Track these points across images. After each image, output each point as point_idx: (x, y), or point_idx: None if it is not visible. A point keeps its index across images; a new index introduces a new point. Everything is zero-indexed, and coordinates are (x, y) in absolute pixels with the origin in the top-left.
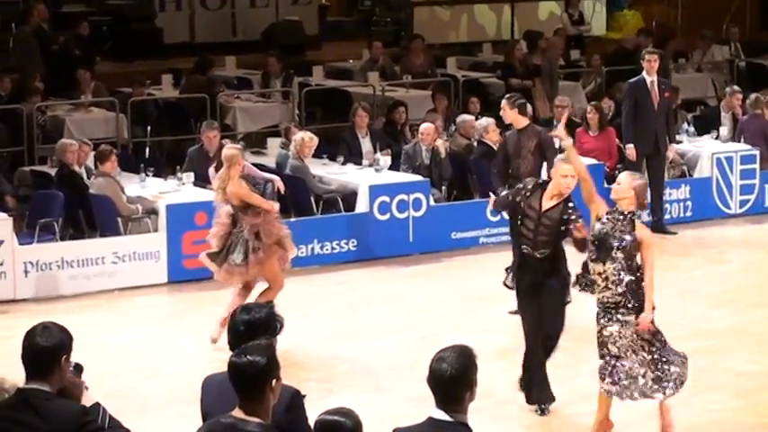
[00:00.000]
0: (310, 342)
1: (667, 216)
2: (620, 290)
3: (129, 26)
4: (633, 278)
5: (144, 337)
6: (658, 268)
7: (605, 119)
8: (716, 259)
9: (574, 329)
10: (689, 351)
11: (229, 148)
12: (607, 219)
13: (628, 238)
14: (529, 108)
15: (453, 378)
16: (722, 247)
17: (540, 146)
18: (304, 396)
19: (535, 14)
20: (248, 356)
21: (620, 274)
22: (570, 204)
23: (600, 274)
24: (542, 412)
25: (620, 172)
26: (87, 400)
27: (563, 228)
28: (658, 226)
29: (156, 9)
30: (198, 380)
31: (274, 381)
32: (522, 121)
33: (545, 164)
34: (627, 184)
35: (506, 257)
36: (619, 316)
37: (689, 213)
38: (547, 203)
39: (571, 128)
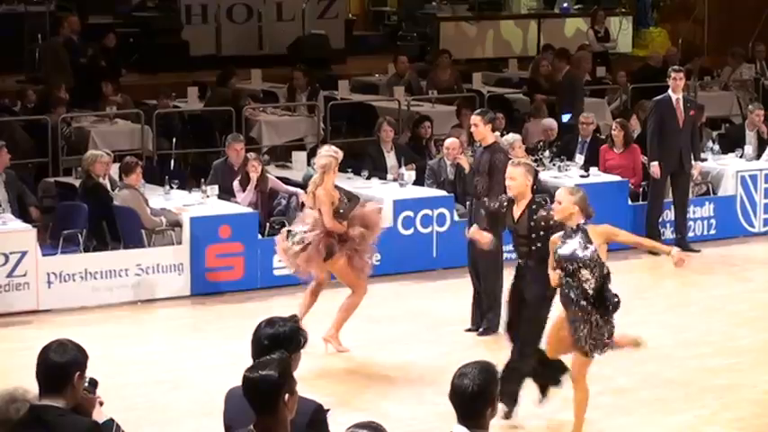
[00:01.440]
0: (334, 356)
1: (691, 234)
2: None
3: (155, 39)
4: (600, 286)
5: (166, 349)
6: (682, 286)
7: (630, 136)
8: (740, 277)
9: None
10: (713, 368)
11: (325, 156)
12: (562, 242)
13: (588, 252)
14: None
15: (474, 394)
16: (746, 265)
17: (491, 166)
18: (327, 411)
19: (561, 31)
20: (261, 371)
21: (588, 287)
22: (533, 207)
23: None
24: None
25: (644, 189)
26: (100, 416)
27: (534, 235)
28: (682, 244)
29: (183, 22)
30: (219, 392)
31: (288, 395)
32: (490, 138)
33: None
34: (568, 201)
35: None
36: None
37: (713, 231)
38: (517, 212)
39: (595, 145)
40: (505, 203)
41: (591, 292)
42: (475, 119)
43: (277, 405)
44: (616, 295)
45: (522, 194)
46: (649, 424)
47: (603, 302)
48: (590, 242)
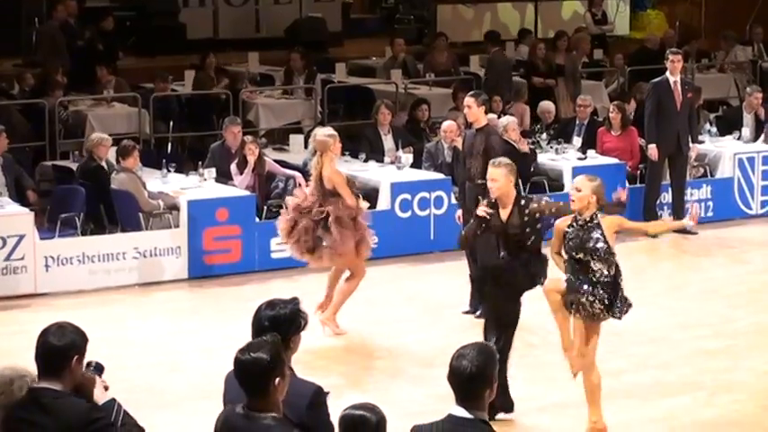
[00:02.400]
0: (331, 339)
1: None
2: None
3: (152, 21)
4: (611, 276)
5: (164, 332)
6: (680, 268)
7: (628, 119)
8: (737, 259)
9: None
10: (710, 351)
11: (321, 136)
12: (574, 232)
13: (600, 245)
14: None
15: (473, 375)
16: (743, 247)
17: (486, 148)
18: (327, 393)
19: (558, 13)
20: (252, 353)
21: (600, 277)
22: (522, 203)
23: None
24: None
25: (642, 172)
26: (102, 397)
27: (528, 229)
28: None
29: (180, 5)
30: (217, 375)
31: (279, 378)
32: (484, 120)
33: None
34: (588, 188)
35: None
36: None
37: (710, 213)
38: (504, 214)
39: (593, 128)
40: (488, 214)
41: (603, 280)
42: (468, 100)
43: (268, 388)
44: (628, 299)
45: (505, 195)
46: (647, 406)
47: (615, 295)
48: (603, 234)
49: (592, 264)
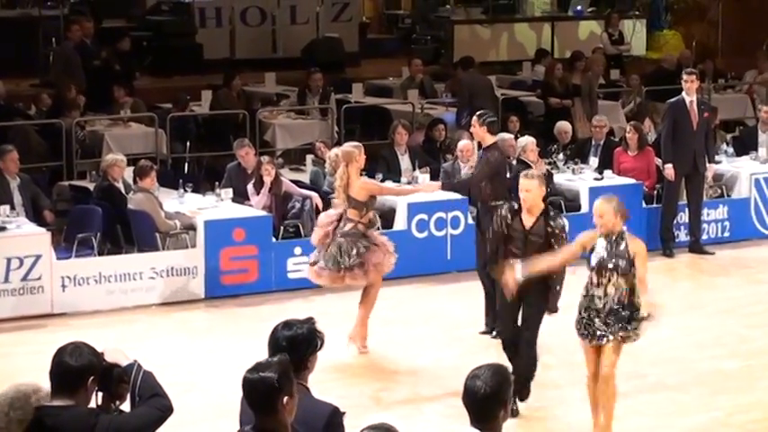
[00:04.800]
0: (348, 359)
1: (705, 236)
2: (615, 304)
3: (169, 42)
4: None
5: (181, 351)
6: (696, 288)
7: (644, 139)
8: (753, 279)
9: None
10: (727, 371)
11: (347, 147)
12: (603, 248)
13: (622, 263)
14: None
15: (487, 396)
16: (760, 267)
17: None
18: (343, 414)
19: (575, 33)
20: (260, 372)
21: (620, 293)
22: (551, 214)
23: (600, 297)
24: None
25: (659, 192)
26: (124, 361)
27: (552, 239)
28: (696, 246)
29: (197, 25)
30: (234, 394)
31: (287, 398)
32: (489, 140)
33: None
34: (610, 212)
35: None
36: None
37: (726, 234)
38: (528, 221)
39: (609, 148)
40: (508, 214)
41: (619, 298)
42: (473, 121)
43: (275, 407)
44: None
45: (536, 205)
46: (663, 426)
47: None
48: (629, 252)
49: (615, 279)
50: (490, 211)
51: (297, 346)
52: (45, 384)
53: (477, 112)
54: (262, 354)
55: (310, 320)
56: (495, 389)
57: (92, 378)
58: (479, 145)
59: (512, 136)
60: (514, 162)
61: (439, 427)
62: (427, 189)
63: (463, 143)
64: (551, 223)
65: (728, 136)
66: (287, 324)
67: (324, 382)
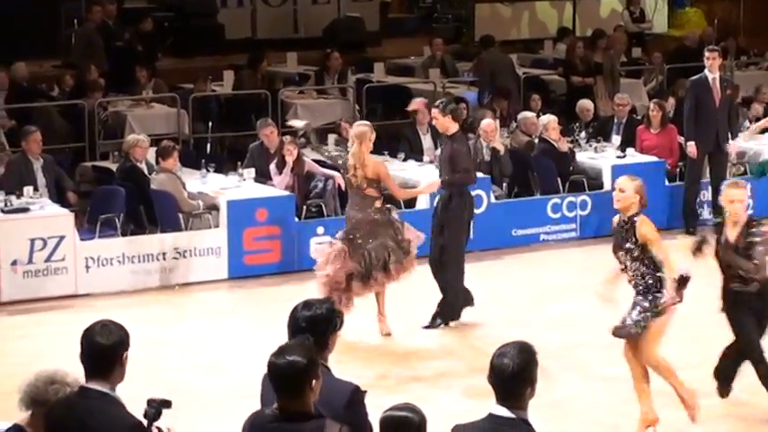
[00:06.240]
0: (370, 338)
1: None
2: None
3: (190, 22)
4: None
5: (204, 332)
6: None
7: (667, 116)
8: None
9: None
10: None
11: (359, 125)
12: (615, 231)
13: (628, 245)
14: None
15: (514, 374)
16: None
17: (452, 155)
18: (365, 392)
19: (597, 11)
20: (288, 356)
21: (639, 274)
22: (752, 229)
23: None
24: None
25: (681, 170)
26: None
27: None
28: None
29: (218, 5)
30: (256, 376)
31: (314, 380)
32: (453, 128)
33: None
34: (632, 188)
35: (566, 254)
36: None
37: (750, 211)
38: (732, 234)
39: (631, 126)
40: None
41: (644, 281)
42: (433, 112)
43: (304, 390)
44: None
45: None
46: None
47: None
48: (635, 236)
49: (628, 264)
50: (462, 196)
51: (317, 325)
52: (69, 367)
53: (437, 101)
54: (285, 334)
55: (329, 300)
56: (522, 366)
57: (124, 354)
58: (437, 132)
59: (534, 114)
60: (536, 140)
61: (464, 406)
62: (427, 190)
63: (486, 122)
64: (750, 234)
65: (751, 113)
66: (306, 304)
67: (345, 362)
